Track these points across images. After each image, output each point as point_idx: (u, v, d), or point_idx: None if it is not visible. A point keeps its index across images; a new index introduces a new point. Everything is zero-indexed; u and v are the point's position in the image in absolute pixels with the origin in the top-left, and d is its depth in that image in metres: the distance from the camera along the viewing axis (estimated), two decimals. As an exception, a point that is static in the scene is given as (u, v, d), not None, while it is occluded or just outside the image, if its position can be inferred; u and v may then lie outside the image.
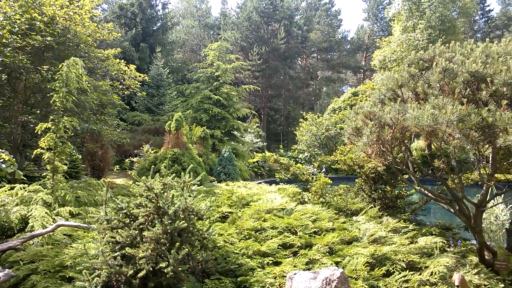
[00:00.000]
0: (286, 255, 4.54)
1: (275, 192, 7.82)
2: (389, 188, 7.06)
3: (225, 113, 16.71)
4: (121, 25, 25.89)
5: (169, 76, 22.51)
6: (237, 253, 4.48)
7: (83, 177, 9.87)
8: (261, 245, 4.64)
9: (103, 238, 3.80)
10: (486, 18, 52.67)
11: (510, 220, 5.89)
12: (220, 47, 18.21)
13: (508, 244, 5.46)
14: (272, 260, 4.35)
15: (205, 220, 4.63)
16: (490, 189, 5.32)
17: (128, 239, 3.74)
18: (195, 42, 40.55)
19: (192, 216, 4.20)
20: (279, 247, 4.64)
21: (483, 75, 4.01)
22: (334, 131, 20.77)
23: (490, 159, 4.54)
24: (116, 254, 3.68)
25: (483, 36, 49.09)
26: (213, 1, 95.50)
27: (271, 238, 4.85)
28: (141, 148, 13.48)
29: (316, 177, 7.69)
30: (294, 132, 25.37)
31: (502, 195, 7.61)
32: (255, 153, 13.46)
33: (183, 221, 3.89)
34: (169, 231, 3.84)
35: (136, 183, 4.16)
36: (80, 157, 10.37)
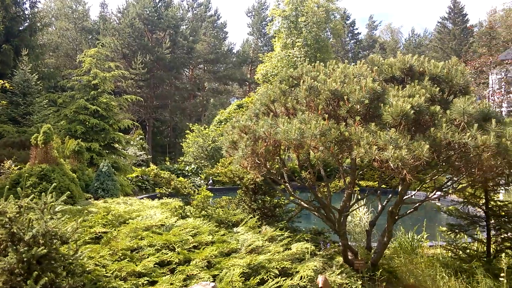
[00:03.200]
0: (163, 273, 4.39)
1: (157, 208, 7.54)
2: (269, 198, 7.40)
3: (105, 124, 15.66)
4: (-22, 23, 22.49)
5: (39, 82, 20.18)
6: (109, 276, 4.18)
7: None
8: (137, 265, 4.41)
9: None
10: (355, 40, 59.81)
11: (369, 222, 6.62)
12: (98, 53, 17.09)
13: (367, 244, 6.15)
14: (147, 280, 4.17)
15: (72, 244, 4.23)
16: (352, 195, 5.94)
17: (-29, 274, 3.20)
18: (71, 46, 37.35)
19: (55, 240, 3.81)
20: (156, 265, 4.47)
21: (341, 93, 4.48)
22: (220, 142, 21.08)
23: (350, 169, 5.09)
24: (-47, 293, 3.11)
25: (353, 55, 55.54)
26: (91, 3, 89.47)
27: (148, 257, 4.65)
28: (2, 164, 11.77)
29: (199, 190, 7.66)
30: (181, 144, 25.09)
31: (365, 199, 8.58)
32: (133, 167, 12.86)
33: (43, 247, 3.49)
34: (25, 259, 3.41)
35: (-17, 207, 3.60)
36: None
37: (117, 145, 16.76)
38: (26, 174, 9.31)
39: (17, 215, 3.65)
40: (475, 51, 31.67)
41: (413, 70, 4.84)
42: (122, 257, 4.69)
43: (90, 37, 38.89)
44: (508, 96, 24.31)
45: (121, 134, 16.78)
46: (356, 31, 59.36)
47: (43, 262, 3.58)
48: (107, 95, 16.78)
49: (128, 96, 18.41)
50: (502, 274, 3.83)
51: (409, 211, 5.48)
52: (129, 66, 33.24)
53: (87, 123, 15.46)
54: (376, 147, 3.83)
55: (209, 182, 19.89)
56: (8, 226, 3.55)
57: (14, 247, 3.44)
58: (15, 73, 19.31)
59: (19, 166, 11.62)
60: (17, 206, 3.73)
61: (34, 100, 18.87)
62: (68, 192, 4.74)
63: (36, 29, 25.20)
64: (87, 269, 4.25)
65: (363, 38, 60.28)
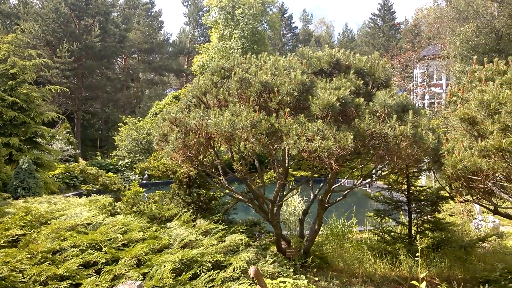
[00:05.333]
0: (88, 274, 4.15)
1: (84, 206, 7.12)
2: (204, 191, 7.31)
3: (25, 117, 14.38)
4: None
5: None
6: (26, 282, 3.87)
7: None
8: (58, 268, 4.12)
9: None
10: (292, 33, 61.05)
11: (302, 211, 6.79)
12: (16, 39, 15.63)
13: (300, 232, 6.32)
14: (70, 283, 3.91)
15: (-18, 249, 3.87)
16: (285, 185, 6.06)
17: None
18: (-14, 32, 33.88)
19: (-39, 246, 3.45)
20: (81, 266, 4.21)
21: (272, 85, 4.50)
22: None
23: (282, 160, 5.17)
24: None
25: (290, 48, 56.65)
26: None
27: (71, 258, 4.36)
28: None
29: (130, 186, 7.36)
30: (114, 137, 23.98)
31: (299, 189, 8.79)
32: (59, 163, 11.95)
33: None
34: None
35: None
36: None
37: (40, 139, 15.52)
38: None
39: None
40: (401, 47, 33.85)
41: (339, 63, 5.01)
42: (42, 261, 4.36)
43: (8, 22, 35.52)
44: (429, 89, 26.34)
45: (44, 127, 15.52)
46: (293, 25, 60.68)
47: None
48: (27, 86, 15.42)
49: (53, 86, 17.04)
50: (417, 254, 4.14)
51: (338, 198, 5.71)
52: (53, 54, 30.94)
53: (4, 116, 14.10)
54: (304, 138, 3.91)
55: (145, 176, 19.28)
56: None
57: None
58: None
59: None
60: None
61: None
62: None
63: None
64: (1, 275, 3.90)
65: (299, 32, 61.79)
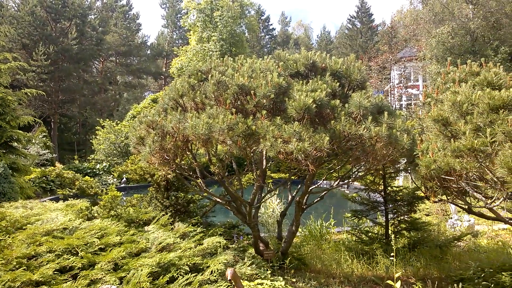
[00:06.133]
0: (64, 279, 4.08)
1: (60, 210, 6.98)
2: (182, 194, 7.27)
3: (0, 121, 13.97)
4: None
5: None
6: (-1, 289, 3.78)
7: None
8: (34, 273, 4.04)
9: None
10: (270, 35, 61.29)
11: (280, 213, 6.83)
12: (-10, 42, 15.26)
13: (278, 234, 6.36)
14: (46, 290, 3.84)
15: (-48, 257, 3.76)
16: (263, 187, 6.09)
17: None
18: (-41, 34, 32.81)
19: None
20: (56, 272, 4.14)
21: (249, 87, 4.52)
22: (134, 138, 20.19)
23: (259, 162, 5.20)
24: None
25: (269, 50, 56.88)
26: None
27: (47, 264, 4.28)
28: None
29: (107, 190, 7.26)
30: (92, 141, 23.59)
31: (277, 191, 8.84)
32: (35, 167, 11.65)
33: None
34: None
35: None
36: None
37: (16, 144, 15.10)
38: None
39: None
40: (378, 49, 34.45)
41: (316, 65, 5.07)
42: (17, 266, 4.27)
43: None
44: (406, 90, 26.88)
45: (20, 131, 15.09)
46: (271, 27, 61.01)
47: None
48: (3, 89, 14.98)
49: (29, 90, 16.61)
50: (392, 254, 4.23)
51: (316, 200, 5.77)
52: (30, 58, 30.23)
53: (-22, 120, 13.68)
54: (281, 140, 3.95)
55: (123, 180, 19.00)
56: None
57: None
58: None
59: None
60: None
61: None
62: None
63: None
64: (-27, 282, 3.80)
65: (278, 34, 62.15)
